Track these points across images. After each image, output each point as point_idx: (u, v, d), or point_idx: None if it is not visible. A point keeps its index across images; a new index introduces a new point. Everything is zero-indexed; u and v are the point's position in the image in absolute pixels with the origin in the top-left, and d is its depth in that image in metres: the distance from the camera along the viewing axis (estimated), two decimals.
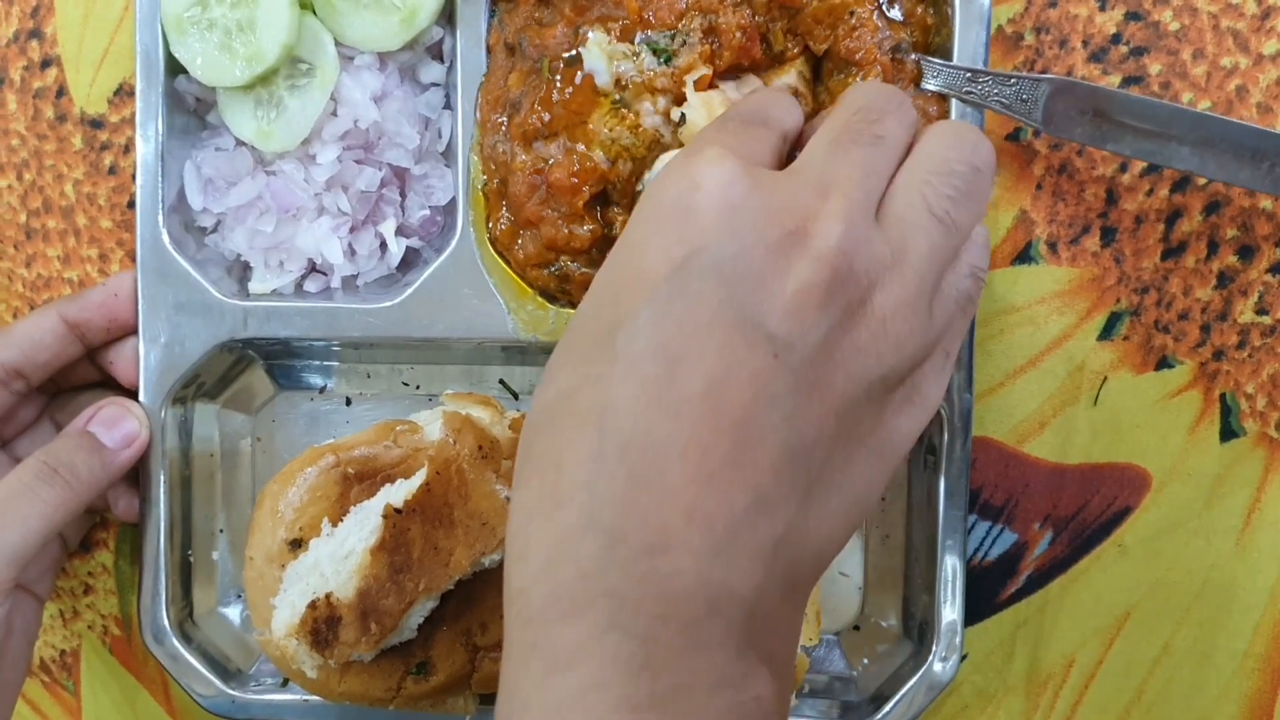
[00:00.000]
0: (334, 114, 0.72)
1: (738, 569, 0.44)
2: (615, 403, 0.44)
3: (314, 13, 0.71)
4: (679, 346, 0.44)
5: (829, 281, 0.45)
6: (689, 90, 0.64)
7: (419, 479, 0.65)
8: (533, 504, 0.46)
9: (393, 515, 0.65)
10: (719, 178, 0.46)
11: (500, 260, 0.71)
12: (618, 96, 0.66)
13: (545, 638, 0.44)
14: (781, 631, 0.47)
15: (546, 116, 0.67)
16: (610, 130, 0.66)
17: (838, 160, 0.49)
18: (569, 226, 0.67)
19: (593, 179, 0.66)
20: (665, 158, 0.64)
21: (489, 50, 0.71)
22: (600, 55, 0.66)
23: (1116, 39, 0.73)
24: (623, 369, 0.44)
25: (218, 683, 0.74)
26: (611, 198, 0.68)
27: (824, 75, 0.68)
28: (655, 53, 0.65)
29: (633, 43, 0.66)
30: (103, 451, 0.70)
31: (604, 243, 0.68)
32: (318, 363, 0.78)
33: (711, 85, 0.65)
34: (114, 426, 0.71)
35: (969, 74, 0.66)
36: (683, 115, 0.64)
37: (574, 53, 0.67)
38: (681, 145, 0.65)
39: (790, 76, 0.68)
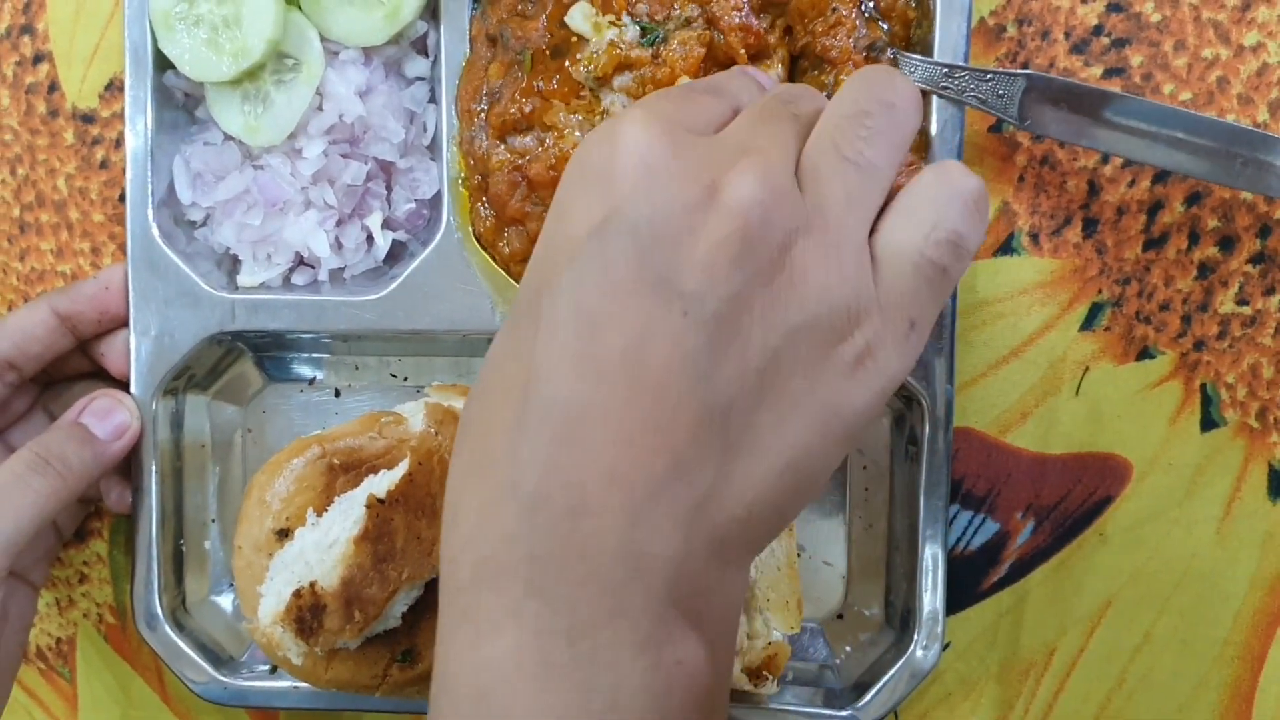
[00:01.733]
0: (320, 108, 0.72)
1: (658, 533, 0.44)
2: (537, 368, 0.44)
3: (299, 8, 0.72)
4: (597, 309, 0.44)
5: (741, 234, 0.44)
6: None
7: (402, 469, 0.66)
8: (463, 470, 0.46)
9: (376, 505, 0.65)
10: (639, 139, 0.45)
11: (485, 253, 0.72)
12: (588, 68, 0.65)
13: (473, 605, 0.44)
14: (714, 597, 0.46)
15: (528, 107, 0.67)
16: (574, 117, 0.66)
17: (756, 130, 0.49)
18: None
19: None
20: None
21: (471, 41, 0.72)
22: (585, 19, 0.65)
23: (1098, 30, 0.74)
24: (545, 334, 0.44)
25: (210, 670, 0.75)
26: None
27: (798, 73, 0.69)
28: (644, 31, 0.64)
29: (619, 17, 0.65)
30: (94, 442, 0.71)
31: None
32: (307, 355, 0.79)
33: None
34: (105, 418, 0.72)
35: (945, 69, 0.67)
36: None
37: (556, 46, 0.67)
38: None
39: (774, 71, 0.68)
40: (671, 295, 0.43)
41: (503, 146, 0.68)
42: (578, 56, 0.67)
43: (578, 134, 0.66)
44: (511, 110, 0.68)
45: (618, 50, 0.63)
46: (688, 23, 0.63)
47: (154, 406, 0.74)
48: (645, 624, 0.43)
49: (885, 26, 0.69)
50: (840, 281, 0.45)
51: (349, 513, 0.66)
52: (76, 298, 0.73)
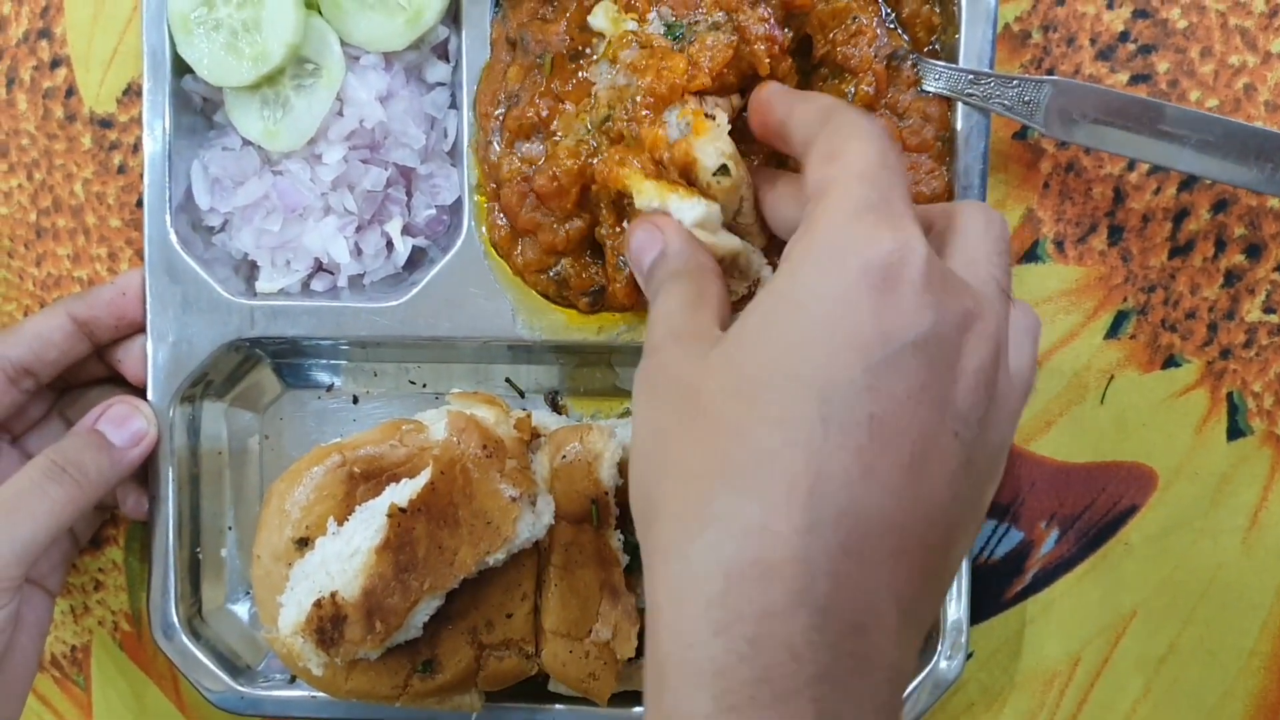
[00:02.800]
0: (340, 114, 0.72)
1: (910, 647, 0.46)
2: (829, 470, 0.44)
3: (320, 13, 0.71)
4: (890, 420, 0.45)
5: (991, 363, 0.48)
6: (715, 138, 0.59)
7: (424, 478, 0.66)
8: (728, 566, 0.44)
9: (398, 514, 0.65)
10: (924, 256, 0.47)
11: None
12: (600, 52, 0.64)
13: None
14: None
15: (544, 111, 0.66)
16: (581, 125, 0.65)
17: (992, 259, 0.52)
18: (563, 227, 0.67)
19: (575, 181, 0.65)
20: (683, 203, 0.58)
21: (491, 45, 0.71)
22: (607, 17, 0.64)
23: (1124, 37, 0.73)
24: (838, 436, 0.44)
25: (226, 679, 0.75)
26: (590, 190, 0.66)
27: (816, 81, 0.68)
28: (669, 28, 0.63)
29: (643, 16, 0.64)
30: (111, 450, 0.71)
31: (593, 237, 0.67)
32: (325, 361, 0.79)
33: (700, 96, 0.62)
34: (122, 425, 0.72)
35: (971, 76, 0.66)
36: (724, 167, 0.58)
37: (576, 49, 0.67)
38: (703, 187, 0.59)
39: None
40: (947, 413, 0.46)
41: (514, 155, 0.68)
42: (593, 56, 0.66)
43: (587, 140, 0.65)
44: (529, 114, 0.67)
45: (633, 36, 0.63)
46: (716, 27, 0.62)
47: (171, 413, 0.74)
48: None
49: (906, 35, 0.68)
50: (1015, 414, 0.51)
51: (370, 522, 0.66)
52: (94, 303, 0.73)
